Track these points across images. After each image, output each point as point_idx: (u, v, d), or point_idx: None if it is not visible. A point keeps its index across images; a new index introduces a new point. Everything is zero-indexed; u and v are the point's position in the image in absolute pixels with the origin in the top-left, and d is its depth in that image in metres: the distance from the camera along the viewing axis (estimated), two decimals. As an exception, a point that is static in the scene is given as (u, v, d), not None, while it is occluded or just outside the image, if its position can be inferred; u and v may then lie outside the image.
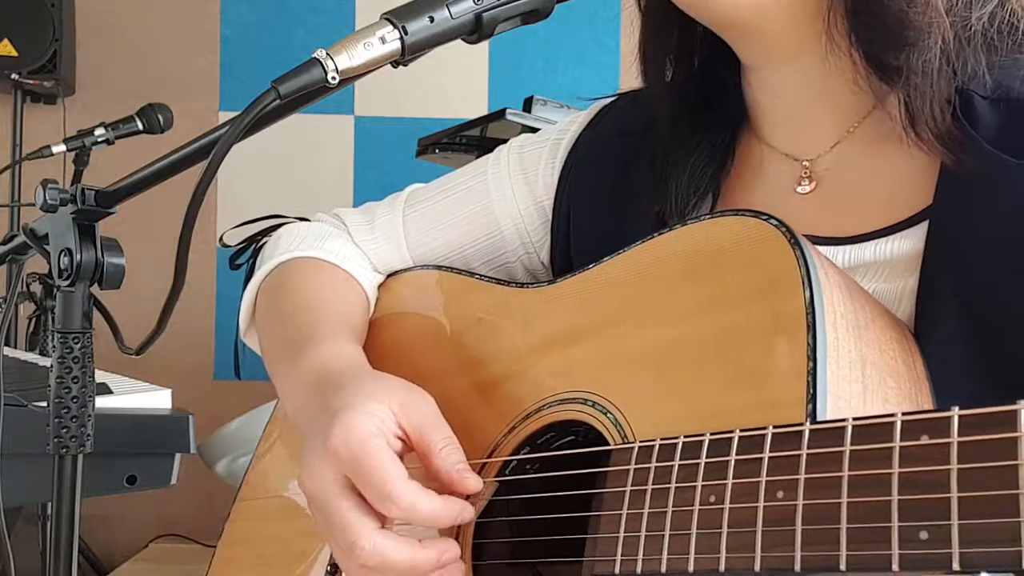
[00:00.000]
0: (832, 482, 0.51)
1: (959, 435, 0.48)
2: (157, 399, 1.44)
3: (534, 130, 2.21)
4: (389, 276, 1.00)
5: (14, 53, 3.13)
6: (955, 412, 0.48)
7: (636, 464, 0.63)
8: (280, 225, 1.07)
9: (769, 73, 0.82)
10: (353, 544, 0.68)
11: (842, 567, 0.50)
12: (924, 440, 0.49)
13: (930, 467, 0.48)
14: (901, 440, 0.50)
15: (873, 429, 0.51)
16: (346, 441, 0.69)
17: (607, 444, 0.68)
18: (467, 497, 0.72)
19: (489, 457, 0.77)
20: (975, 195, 0.69)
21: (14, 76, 3.15)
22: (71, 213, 0.78)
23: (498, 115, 2.37)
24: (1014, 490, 0.45)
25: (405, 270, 0.99)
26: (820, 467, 0.52)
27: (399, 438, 0.72)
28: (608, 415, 0.69)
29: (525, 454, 0.76)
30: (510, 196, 0.96)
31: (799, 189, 0.80)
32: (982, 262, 0.68)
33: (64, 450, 0.79)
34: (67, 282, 0.79)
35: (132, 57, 3.40)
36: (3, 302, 1.25)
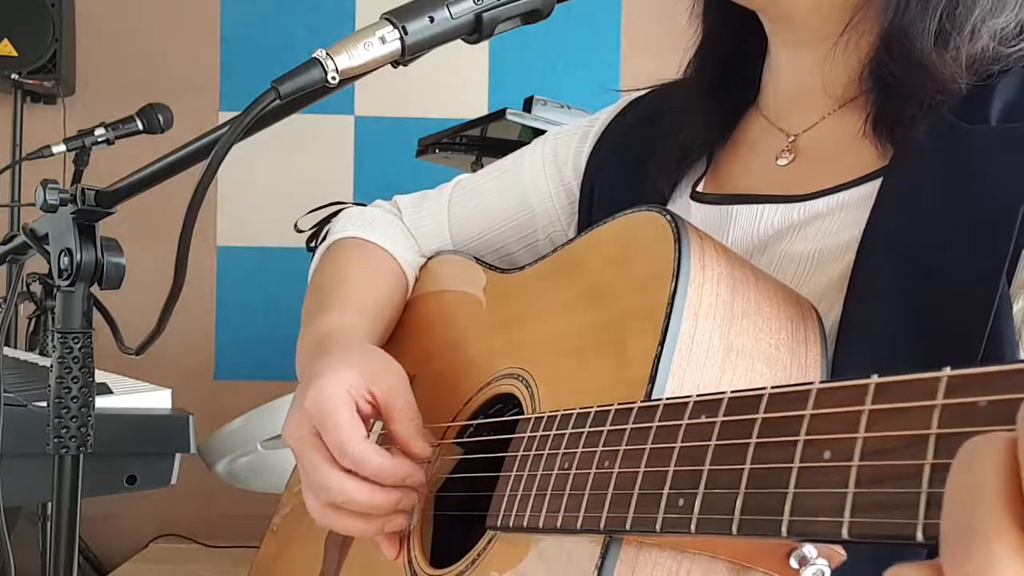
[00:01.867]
0: (639, 454, 0.58)
1: (723, 415, 0.53)
2: (157, 399, 1.44)
3: (534, 130, 2.23)
4: (429, 259, 1.07)
5: (14, 53, 3.13)
6: (726, 395, 0.54)
7: (529, 432, 0.70)
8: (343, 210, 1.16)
9: (785, 53, 0.87)
10: (321, 484, 0.77)
11: (627, 527, 0.57)
12: (703, 419, 0.54)
13: (698, 442, 0.54)
14: (688, 419, 0.55)
15: (675, 408, 0.57)
16: (317, 401, 0.77)
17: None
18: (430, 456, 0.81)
19: (452, 422, 0.87)
20: (926, 155, 0.73)
21: (14, 76, 3.14)
22: (71, 213, 0.78)
23: (498, 115, 2.37)
24: (741, 465, 0.50)
25: (437, 254, 1.07)
26: (636, 440, 0.59)
27: (369, 402, 0.80)
28: (529, 389, 0.77)
29: (476, 423, 0.84)
30: (541, 178, 1.03)
31: (779, 161, 0.85)
32: (925, 215, 0.71)
33: (64, 450, 0.79)
34: (67, 282, 0.79)
35: (132, 57, 3.40)
36: (3, 302, 1.25)
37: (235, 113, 0.69)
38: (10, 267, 0.90)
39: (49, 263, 0.81)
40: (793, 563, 0.54)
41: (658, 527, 0.54)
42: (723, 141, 0.91)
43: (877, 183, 0.75)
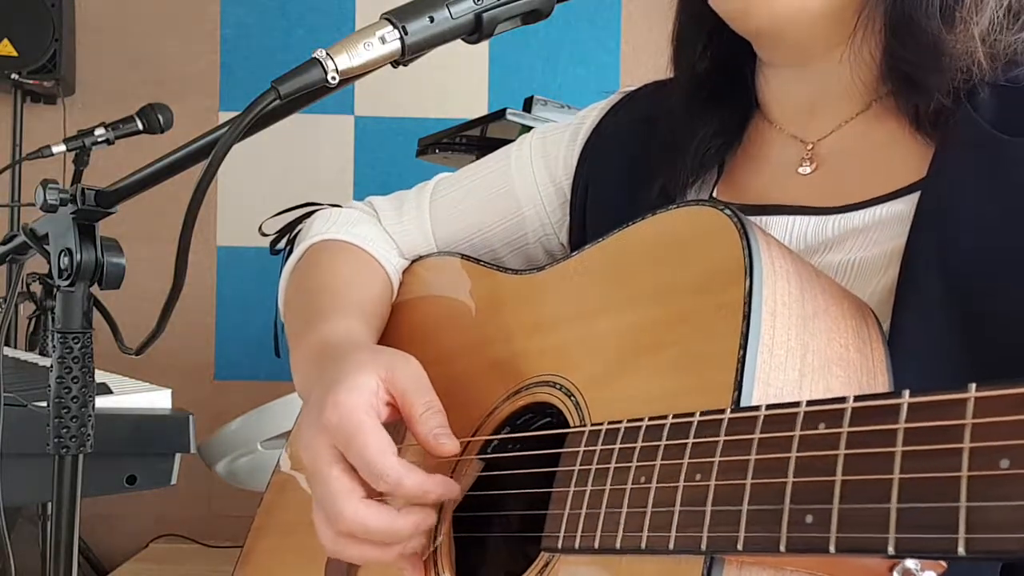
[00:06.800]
0: (741, 465, 0.54)
1: (849, 424, 0.50)
2: (157, 399, 1.44)
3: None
4: (414, 262, 1.03)
5: (14, 53, 3.13)
6: (848, 403, 0.50)
7: (585, 446, 0.65)
8: (315, 212, 1.11)
9: (787, 70, 0.85)
10: (337, 511, 0.71)
11: (739, 547, 0.52)
12: (821, 428, 0.51)
13: (821, 452, 0.50)
14: (802, 428, 0.52)
15: (781, 417, 0.53)
16: (338, 416, 0.72)
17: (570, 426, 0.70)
18: (452, 473, 0.75)
19: (474, 435, 0.80)
20: (965, 168, 0.72)
21: (14, 76, 3.14)
22: (71, 213, 0.78)
23: (498, 115, 2.37)
24: (888, 475, 0.47)
25: (427, 256, 1.02)
26: (733, 451, 0.55)
27: (388, 404, 0.75)
28: (571, 397, 0.71)
29: (504, 434, 0.79)
30: (531, 178, 0.99)
31: (801, 170, 0.83)
32: (966, 229, 0.70)
33: (64, 450, 0.79)
34: (67, 282, 0.79)
35: (132, 57, 3.40)
36: (3, 302, 1.25)
37: (235, 113, 0.68)
38: (10, 267, 0.90)
39: (49, 263, 0.81)
40: None
41: (782, 547, 0.50)
42: (733, 147, 0.88)
43: (914, 197, 0.73)
